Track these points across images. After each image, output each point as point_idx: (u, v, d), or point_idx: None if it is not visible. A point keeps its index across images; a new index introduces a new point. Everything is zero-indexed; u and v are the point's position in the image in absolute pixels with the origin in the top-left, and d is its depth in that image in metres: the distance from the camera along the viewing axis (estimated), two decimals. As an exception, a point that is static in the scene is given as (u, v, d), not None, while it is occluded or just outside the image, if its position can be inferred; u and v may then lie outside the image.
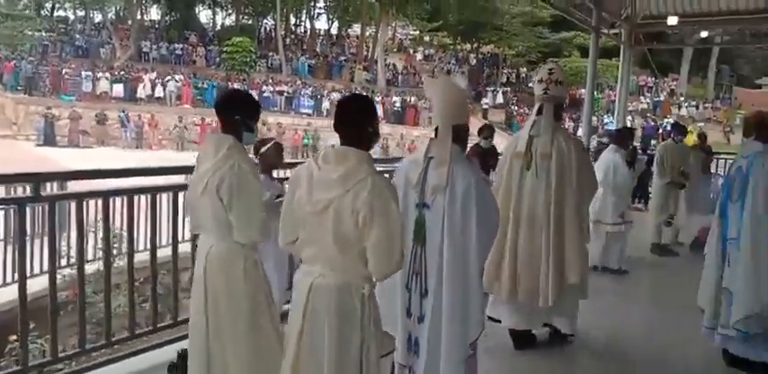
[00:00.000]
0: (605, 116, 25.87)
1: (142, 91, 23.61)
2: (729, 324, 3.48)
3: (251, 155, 2.90)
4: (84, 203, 3.16)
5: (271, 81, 26.40)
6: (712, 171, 8.37)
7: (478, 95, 29.66)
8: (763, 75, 35.54)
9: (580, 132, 14.06)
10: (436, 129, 2.79)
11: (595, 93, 21.04)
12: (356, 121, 2.11)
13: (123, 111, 21.88)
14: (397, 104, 26.82)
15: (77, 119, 20.75)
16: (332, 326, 2.02)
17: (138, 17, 31.62)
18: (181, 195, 3.16)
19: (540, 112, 3.81)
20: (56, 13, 32.89)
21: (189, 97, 24.33)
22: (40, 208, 5.02)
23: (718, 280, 3.64)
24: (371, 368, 2.08)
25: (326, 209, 1.99)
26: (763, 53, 36.41)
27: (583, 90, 27.19)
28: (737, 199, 3.55)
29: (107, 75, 23.50)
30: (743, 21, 11.90)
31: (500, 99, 29.82)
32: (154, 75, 24.38)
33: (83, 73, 23.23)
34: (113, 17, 33.29)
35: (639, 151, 9.66)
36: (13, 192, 5.02)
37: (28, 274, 3.12)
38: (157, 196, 3.42)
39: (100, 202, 3.24)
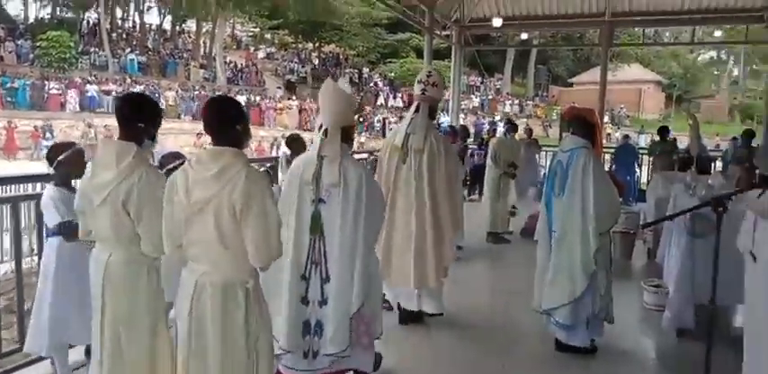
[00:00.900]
0: (440, 114, 27.32)
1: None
2: (546, 308, 3.75)
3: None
4: None
5: (95, 79, 24.17)
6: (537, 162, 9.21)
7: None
8: (574, 74, 39.94)
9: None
10: (325, 130, 2.96)
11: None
12: (225, 122, 2.16)
13: None
14: (241, 104, 26.00)
15: None
16: (216, 322, 2.09)
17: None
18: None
19: (417, 111, 4.15)
20: None
21: (-4, 98, 21.47)
22: None
23: (545, 268, 3.87)
24: (263, 356, 2.18)
25: (206, 207, 2.07)
26: (573, 54, 40.93)
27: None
28: (559, 192, 3.73)
29: None
30: (557, 24, 13.22)
31: (344, 98, 30.18)
32: (-50, 72, 21.19)
33: None
34: None
35: (475, 146, 10.37)
36: None
37: None
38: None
39: None
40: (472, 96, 33.26)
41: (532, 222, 5.76)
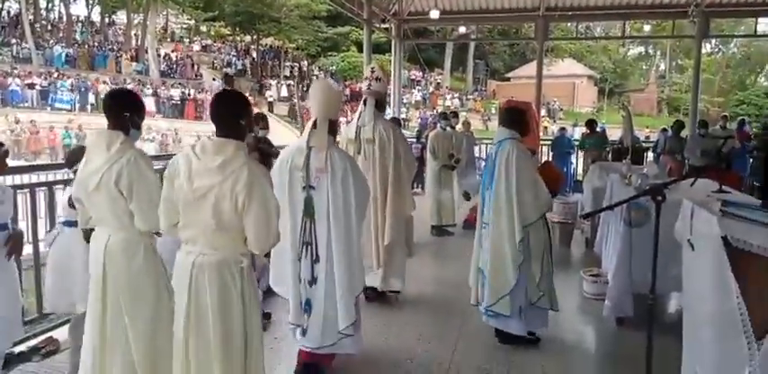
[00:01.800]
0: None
1: None
2: (486, 305, 3.73)
3: None
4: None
5: (18, 72, 22.80)
6: (477, 155, 9.29)
7: (262, 88, 29.21)
8: (511, 69, 40.76)
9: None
10: (314, 122, 3.25)
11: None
12: (232, 116, 2.32)
13: None
14: (176, 97, 25.16)
15: None
16: (214, 298, 2.23)
17: None
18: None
19: (365, 104, 4.49)
20: None
21: None
22: None
23: (478, 260, 3.87)
24: (255, 333, 2.34)
25: (207, 194, 2.21)
26: (510, 50, 41.77)
27: (361, 84, 28.34)
28: (489, 184, 3.74)
29: None
30: (493, 18, 13.39)
31: (284, 92, 29.71)
32: None
33: None
34: None
35: (413, 140, 10.38)
36: None
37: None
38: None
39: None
40: (414, 90, 33.40)
41: (474, 214, 5.78)
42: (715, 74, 39.82)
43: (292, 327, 3.28)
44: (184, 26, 38.74)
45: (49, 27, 30.91)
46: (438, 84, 36.82)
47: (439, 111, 26.21)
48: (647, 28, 20.61)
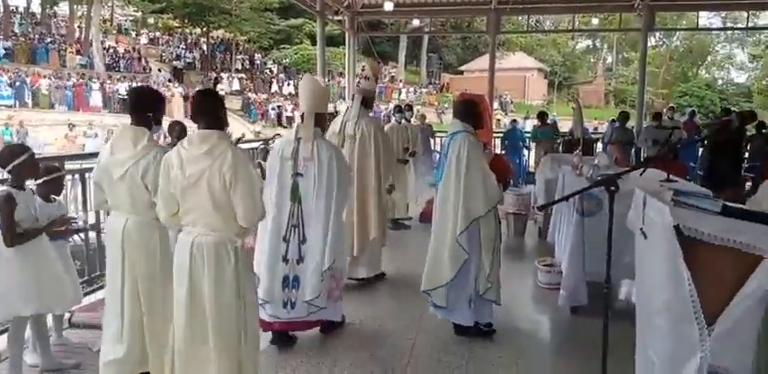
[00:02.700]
0: (338, 102, 27.12)
1: None
2: (423, 289, 3.79)
3: None
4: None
5: (-50, 65, 21.61)
6: (432, 148, 9.32)
7: (213, 82, 28.56)
8: (464, 62, 41.13)
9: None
10: (302, 116, 3.65)
11: (326, 79, 21.88)
12: (212, 110, 2.64)
13: None
14: (122, 92, 24.32)
15: None
16: (211, 273, 2.51)
17: None
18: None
19: (353, 100, 4.89)
20: None
21: None
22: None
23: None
24: (249, 305, 2.65)
25: (200, 178, 2.48)
26: (463, 43, 42.13)
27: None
28: (441, 176, 3.76)
29: None
30: (446, 11, 13.43)
31: (236, 85, 29.14)
32: None
33: None
34: None
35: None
36: None
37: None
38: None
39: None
40: (368, 83, 33.25)
41: (430, 207, 5.79)
42: (659, 66, 41.20)
43: (261, 302, 3.41)
44: (131, 18, 37.46)
45: (-15, 19, 29.40)
46: (392, 77, 36.81)
47: (393, 104, 26.25)
48: (594, 21, 21.10)
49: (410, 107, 8.32)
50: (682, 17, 33.48)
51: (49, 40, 27.33)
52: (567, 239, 4.44)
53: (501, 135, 11.69)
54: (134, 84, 24.63)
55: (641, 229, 2.37)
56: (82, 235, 4.32)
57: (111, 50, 28.61)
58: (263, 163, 4.14)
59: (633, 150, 10.28)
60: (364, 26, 13.37)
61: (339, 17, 12.55)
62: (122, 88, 24.20)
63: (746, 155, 8.55)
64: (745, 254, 1.90)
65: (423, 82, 38.91)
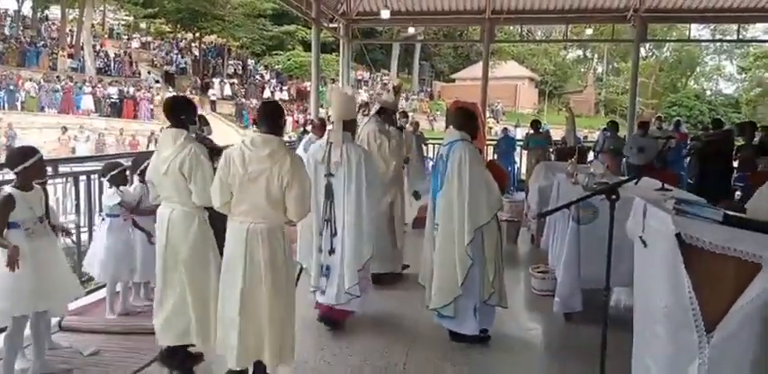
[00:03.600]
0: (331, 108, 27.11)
1: None
2: (433, 307, 3.79)
3: None
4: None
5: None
6: (425, 154, 9.35)
7: (205, 87, 28.49)
8: (455, 70, 41.34)
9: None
10: (332, 123, 4.12)
11: (320, 86, 21.87)
12: (276, 119, 3.10)
13: None
14: (114, 96, 24.20)
15: None
16: (266, 254, 2.93)
17: None
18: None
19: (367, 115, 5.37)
20: None
21: None
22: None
23: (430, 261, 3.89)
24: (290, 279, 3.15)
25: (259, 176, 2.90)
26: (454, 52, 42.35)
27: (308, 83, 28.09)
28: (441, 185, 3.77)
29: None
30: (441, 20, 13.50)
31: (228, 91, 29.08)
32: None
33: None
34: None
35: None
36: None
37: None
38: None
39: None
40: (361, 91, 33.34)
41: (423, 213, 5.79)
42: (649, 77, 41.61)
43: (313, 290, 4.04)
44: (123, 22, 37.34)
45: (-26, 20, 29.15)
46: (385, 84, 36.86)
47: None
48: (588, 31, 21.29)
49: (404, 114, 8.34)
50: (672, 29, 33.93)
51: (40, 43, 27.17)
52: (561, 246, 4.45)
53: (494, 143, 11.76)
54: (124, 88, 24.68)
55: (641, 237, 2.39)
56: (74, 237, 4.29)
57: (103, 54, 28.48)
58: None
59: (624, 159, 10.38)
60: (359, 34, 13.42)
61: (334, 24, 12.60)
62: (113, 92, 24.10)
63: (735, 164, 8.65)
64: (745, 263, 1.93)
65: (414, 89, 39.02)
